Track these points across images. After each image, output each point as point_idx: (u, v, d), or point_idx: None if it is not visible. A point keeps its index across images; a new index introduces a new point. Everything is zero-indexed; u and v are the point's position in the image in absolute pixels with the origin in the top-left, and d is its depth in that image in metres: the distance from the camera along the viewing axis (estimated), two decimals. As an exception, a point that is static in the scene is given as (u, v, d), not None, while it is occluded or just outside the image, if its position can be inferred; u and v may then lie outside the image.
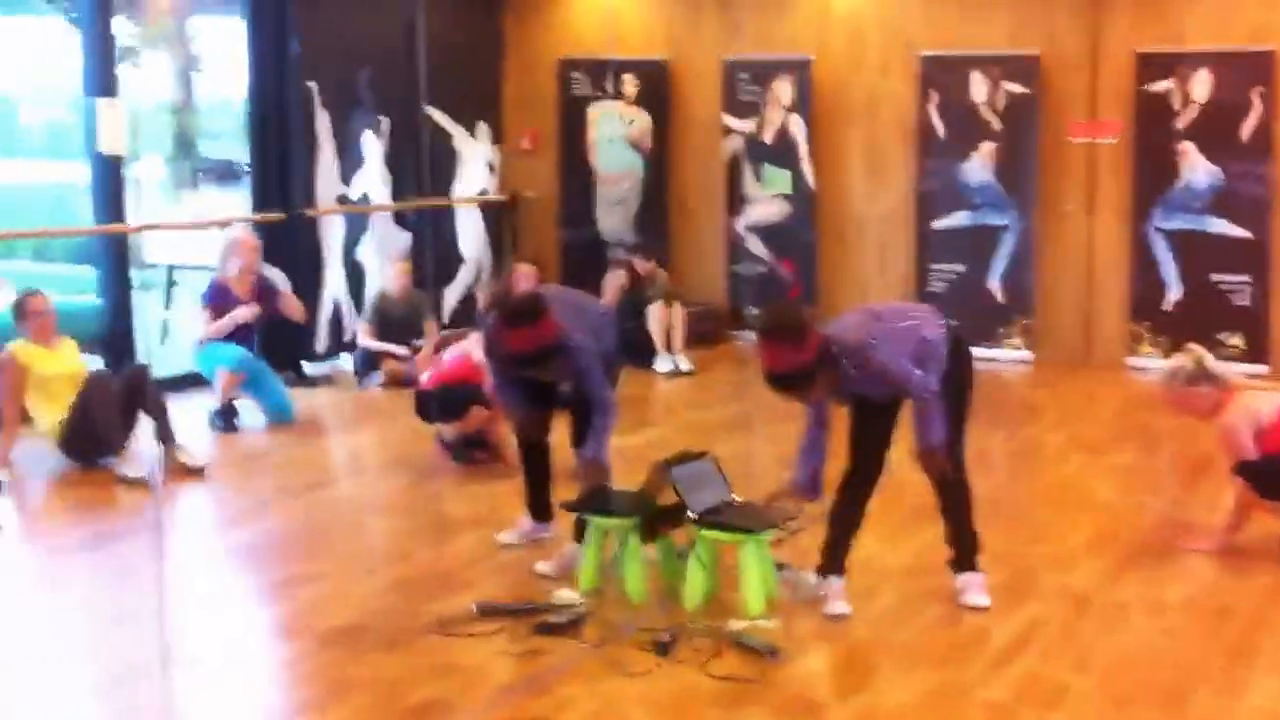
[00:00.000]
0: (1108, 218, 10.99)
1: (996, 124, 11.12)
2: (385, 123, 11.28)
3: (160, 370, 8.80)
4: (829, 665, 5.11)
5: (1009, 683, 4.89)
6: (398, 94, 11.38)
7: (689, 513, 5.56)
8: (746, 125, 11.99)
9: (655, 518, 5.67)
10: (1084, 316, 11.14)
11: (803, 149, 11.80)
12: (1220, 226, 10.54)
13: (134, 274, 9.89)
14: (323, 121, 10.72)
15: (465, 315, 11.78)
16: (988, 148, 11.16)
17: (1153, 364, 10.24)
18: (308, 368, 10.41)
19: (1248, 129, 10.41)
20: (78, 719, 4.68)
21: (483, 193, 12.35)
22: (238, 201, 12.51)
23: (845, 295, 11.35)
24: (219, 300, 9.08)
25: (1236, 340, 10.47)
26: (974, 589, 5.63)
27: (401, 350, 10.11)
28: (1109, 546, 6.44)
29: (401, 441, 8.21)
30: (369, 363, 10.22)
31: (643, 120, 12.40)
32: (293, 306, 9.44)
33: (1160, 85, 10.63)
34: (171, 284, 11.31)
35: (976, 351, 5.83)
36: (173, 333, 10.89)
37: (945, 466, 5.45)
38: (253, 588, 6.20)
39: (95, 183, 9.43)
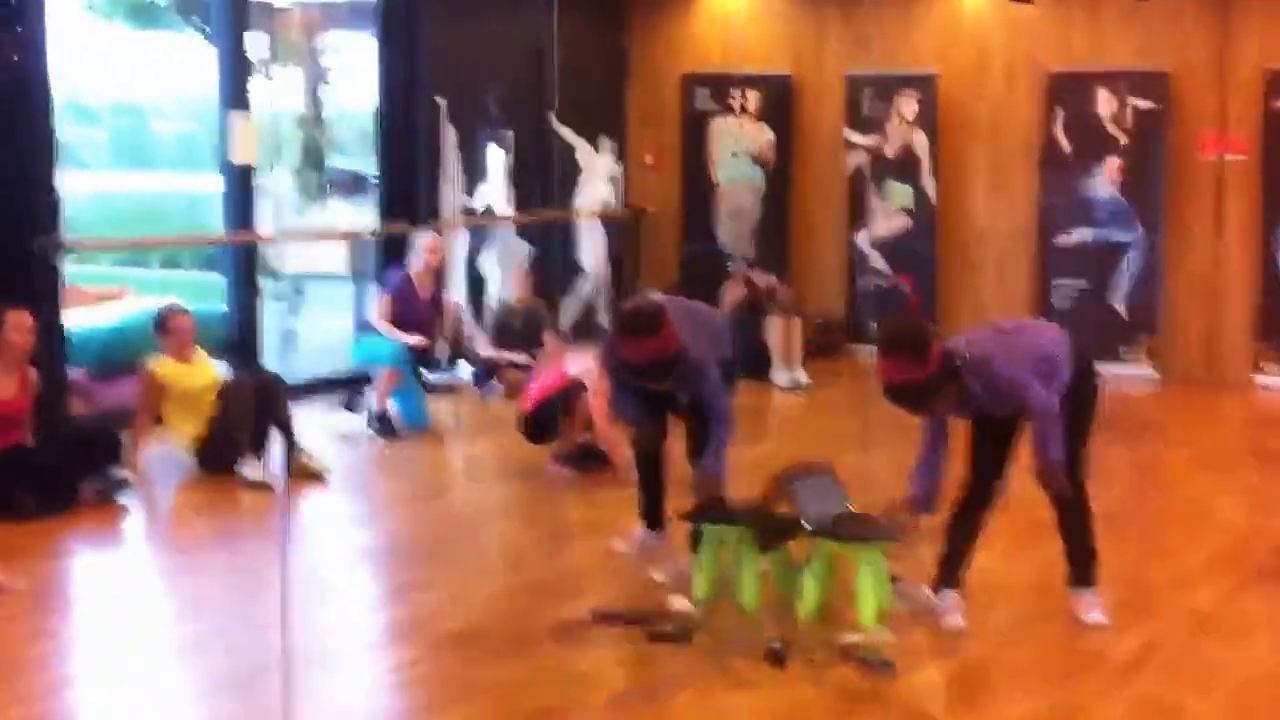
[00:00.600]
0: (1234, 235, 10.82)
1: (1123, 140, 10.99)
2: (510, 136, 11.44)
3: (286, 377, 8.99)
4: (943, 680, 5.08)
5: (1126, 703, 4.83)
6: (523, 109, 11.52)
7: (805, 524, 5.56)
8: (869, 140, 11.96)
9: (771, 529, 5.67)
10: (1208, 334, 10.97)
11: (925, 164, 11.75)
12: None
13: (261, 282, 10.13)
14: (449, 135, 10.91)
15: (584, 327, 11.87)
16: (1114, 164, 11.03)
17: (1278, 383, 10.05)
18: (428, 376, 10.54)
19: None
20: (203, 715, 4.80)
21: (604, 206, 12.44)
22: (364, 213, 12.73)
23: (965, 310, 11.29)
24: (398, 291, 9.30)
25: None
26: (1092, 607, 5.56)
27: (521, 359, 10.23)
28: (1231, 566, 6.34)
29: (519, 450, 8.29)
30: (489, 372, 10.34)
31: (765, 135, 12.42)
32: (449, 324, 9.72)
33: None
34: (298, 293, 11.52)
35: (1099, 368, 5.76)
36: (298, 341, 11.09)
37: (1065, 483, 5.39)
38: (373, 591, 6.31)
39: (227, 192, 9.65)
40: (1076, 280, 11.19)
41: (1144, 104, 10.90)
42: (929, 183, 11.75)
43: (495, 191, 11.42)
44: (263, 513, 7.27)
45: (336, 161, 15.75)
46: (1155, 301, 11.02)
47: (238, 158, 9.51)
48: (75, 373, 8.77)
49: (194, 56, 14.50)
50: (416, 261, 9.42)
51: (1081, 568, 5.61)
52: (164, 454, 8.06)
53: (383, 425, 8.95)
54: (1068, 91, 11.15)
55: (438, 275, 9.65)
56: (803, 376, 10.76)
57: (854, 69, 12.00)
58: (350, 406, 9.45)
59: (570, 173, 12.11)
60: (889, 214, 11.96)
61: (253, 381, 8.15)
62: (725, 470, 5.97)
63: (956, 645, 5.34)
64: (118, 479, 7.34)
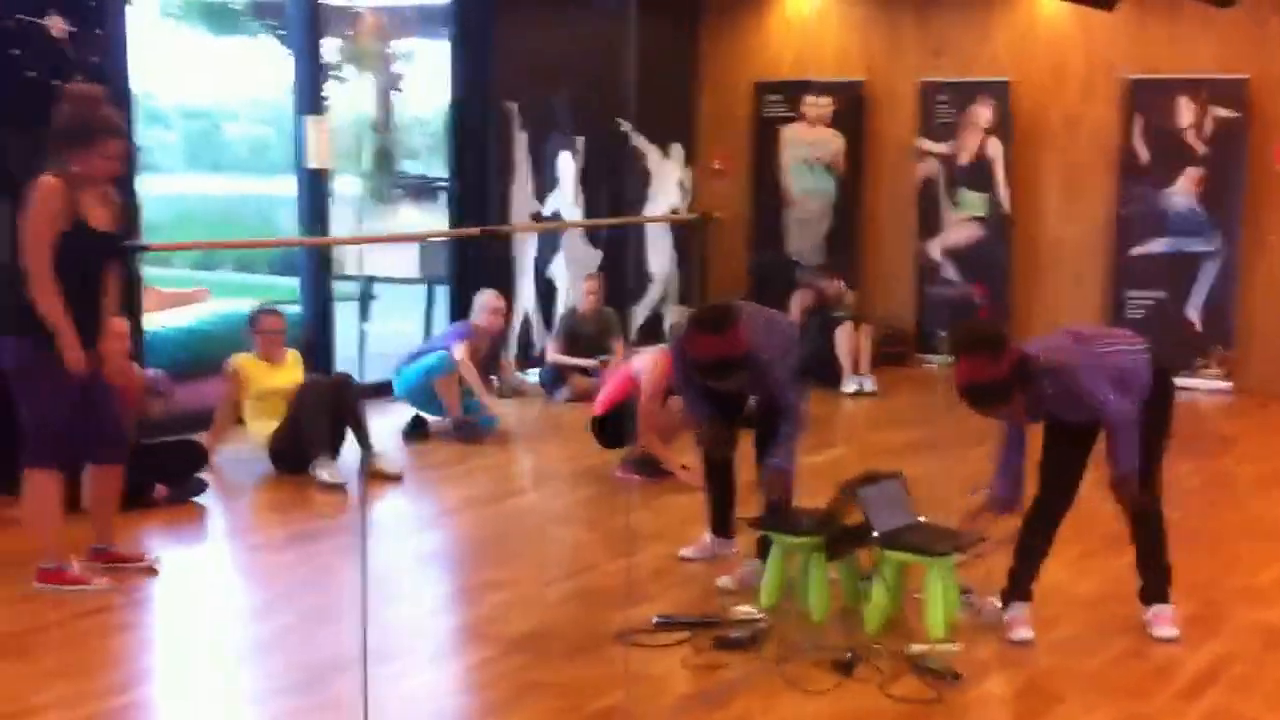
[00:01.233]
0: (1313, 247, 10.71)
1: (1202, 149, 10.89)
2: (580, 142, 11.48)
3: (358, 379, 9.06)
4: (1010, 692, 5.06)
5: (1196, 717, 4.79)
6: (594, 115, 11.56)
7: (874, 533, 5.56)
8: (942, 147, 11.92)
9: (840, 537, 5.67)
10: (1285, 348, 10.86)
11: (999, 172, 11.69)
12: None
13: (334, 285, 10.22)
14: (520, 141, 10.97)
15: (653, 333, 11.89)
16: (1193, 173, 10.93)
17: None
18: (496, 381, 10.59)
19: None
20: (276, 712, 4.85)
21: (674, 212, 12.46)
22: (435, 217, 12.82)
23: (1038, 320, 11.21)
24: (472, 339, 9.37)
25: None
26: (1163, 621, 5.52)
27: (590, 363, 10.27)
28: (1306, 583, 6.27)
29: (587, 455, 8.32)
30: (557, 378, 10.39)
31: (836, 142, 12.40)
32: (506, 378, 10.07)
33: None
34: (369, 297, 11.61)
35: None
36: (369, 343, 11.18)
37: (1139, 495, 5.35)
38: (443, 592, 6.36)
39: (301, 196, 9.75)
40: (1151, 291, 11.10)
41: (1224, 113, 10.80)
42: (1003, 191, 11.69)
43: (565, 197, 11.48)
44: (336, 513, 7.36)
45: (407, 167, 15.89)
46: (1230, 314, 10.91)
47: (313, 162, 9.61)
48: (153, 373, 8.86)
49: (268, 61, 14.67)
50: (481, 318, 9.52)
51: (1154, 582, 5.56)
52: (241, 454, 8.16)
53: (465, 430, 9.00)
54: (1147, 99, 11.06)
55: (494, 340, 9.73)
56: (870, 384, 10.74)
57: (928, 75, 11.96)
58: (413, 434, 9.36)
59: (640, 179, 12.14)
60: (961, 222, 11.91)
61: (327, 383, 8.23)
62: (795, 468, 5.97)
63: (1025, 657, 5.32)
64: (195, 481, 7.45)
